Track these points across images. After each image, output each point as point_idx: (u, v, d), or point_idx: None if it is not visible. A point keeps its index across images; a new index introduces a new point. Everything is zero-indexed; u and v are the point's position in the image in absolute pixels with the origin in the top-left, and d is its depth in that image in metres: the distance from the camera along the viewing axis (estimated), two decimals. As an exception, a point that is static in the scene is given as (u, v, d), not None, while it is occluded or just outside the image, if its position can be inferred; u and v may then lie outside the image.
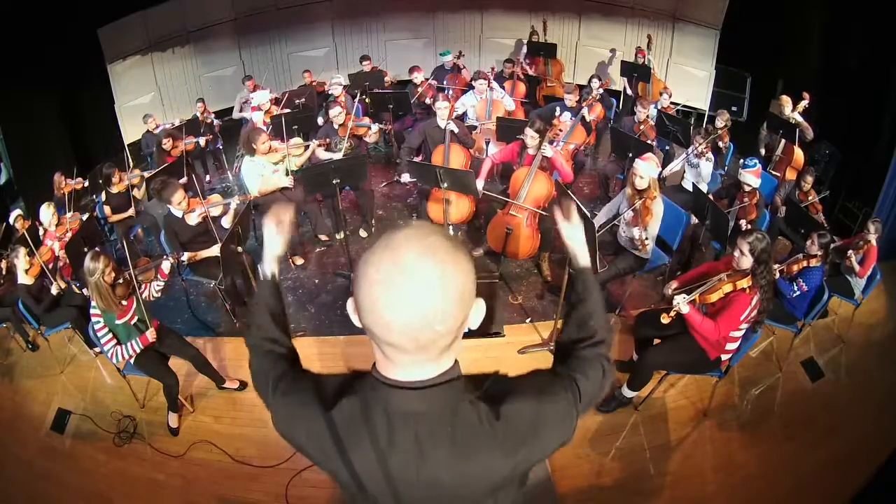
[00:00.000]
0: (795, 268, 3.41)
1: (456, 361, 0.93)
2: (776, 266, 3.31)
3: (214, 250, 3.62)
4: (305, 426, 0.98)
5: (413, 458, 0.91)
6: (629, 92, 6.31)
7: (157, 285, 3.20)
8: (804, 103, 4.87)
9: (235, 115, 6.44)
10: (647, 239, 3.47)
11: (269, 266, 1.26)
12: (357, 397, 0.93)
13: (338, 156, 4.76)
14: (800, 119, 4.81)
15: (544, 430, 0.95)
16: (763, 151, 5.22)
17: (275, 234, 1.27)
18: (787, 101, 4.94)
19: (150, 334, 3.05)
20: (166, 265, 3.23)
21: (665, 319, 2.79)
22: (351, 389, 0.95)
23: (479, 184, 4.12)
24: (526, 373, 1.03)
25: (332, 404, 0.94)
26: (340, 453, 0.94)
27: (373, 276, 0.79)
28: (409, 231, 0.82)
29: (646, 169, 3.45)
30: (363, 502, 1.01)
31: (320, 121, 5.61)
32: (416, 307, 0.78)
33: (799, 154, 4.76)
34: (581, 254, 1.25)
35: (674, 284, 3.02)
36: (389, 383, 0.89)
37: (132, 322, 3.02)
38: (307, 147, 4.72)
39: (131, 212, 4.68)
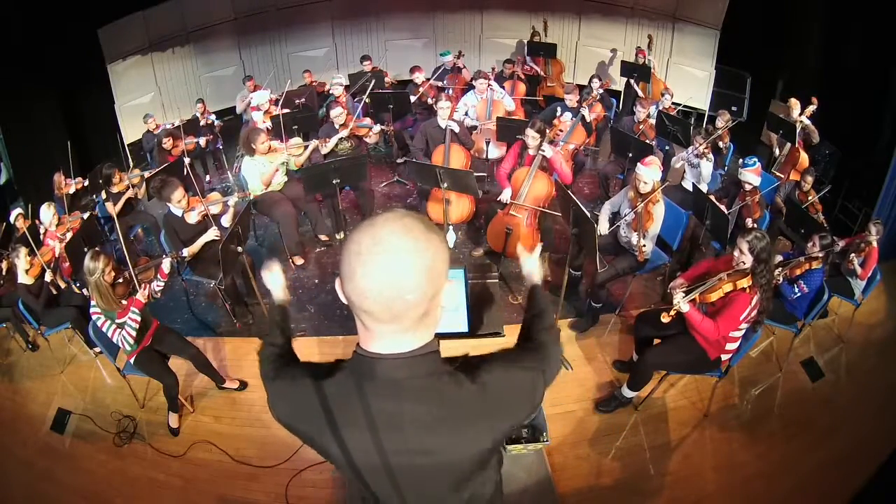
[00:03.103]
0: (798, 271, 3.40)
1: (434, 338, 0.99)
2: (778, 270, 3.31)
3: (211, 234, 3.62)
4: (297, 404, 1.04)
5: (401, 427, 0.96)
6: (639, 92, 6.29)
7: (158, 285, 3.19)
8: (812, 107, 4.87)
9: (239, 110, 6.43)
10: (644, 245, 3.48)
11: (277, 297, 1.62)
12: (345, 373, 1.00)
13: (336, 139, 4.77)
14: (807, 122, 4.81)
15: (517, 396, 1.05)
16: (777, 152, 5.20)
17: (274, 282, 1.63)
18: (795, 104, 4.93)
19: (142, 294, 2.98)
20: (166, 264, 3.22)
21: (665, 318, 2.78)
22: (339, 367, 1.02)
23: (507, 192, 4.13)
24: (494, 352, 1.11)
25: (322, 380, 1.01)
26: (331, 427, 0.98)
27: (353, 249, 0.88)
28: (388, 213, 0.92)
29: (649, 174, 3.45)
30: (358, 483, 1.06)
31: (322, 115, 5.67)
32: (389, 277, 0.86)
33: (804, 156, 4.76)
34: (536, 275, 1.57)
35: (680, 281, 3.01)
36: (372, 356, 0.95)
37: (132, 321, 3.02)
38: (307, 147, 4.72)
39: (130, 193, 4.67)
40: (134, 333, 2.97)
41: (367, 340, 0.96)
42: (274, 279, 1.60)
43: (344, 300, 0.93)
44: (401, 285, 0.86)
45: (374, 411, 0.95)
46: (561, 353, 1.31)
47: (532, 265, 1.60)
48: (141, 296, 2.99)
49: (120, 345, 2.98)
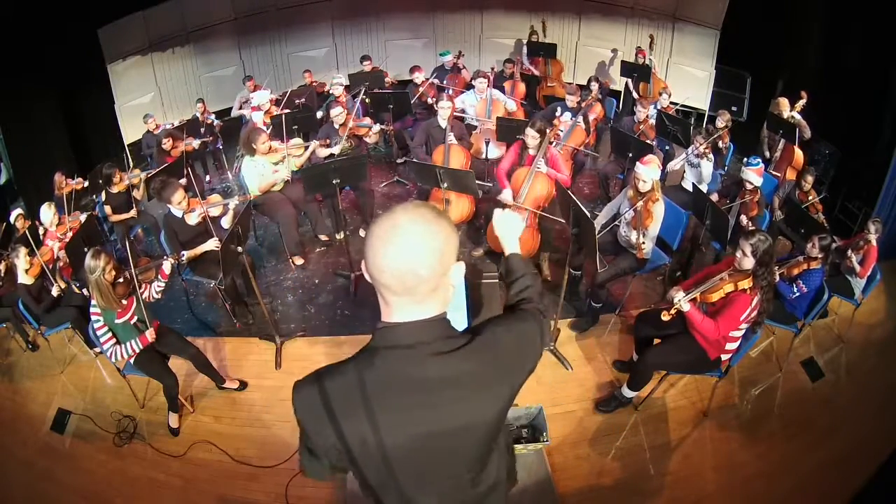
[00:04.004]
0: (796, 271, 3.41)
1: (445, 312, 1.10)
2: (776, 268, 3.31)
3: (211, 244, 3.62)
4: (320, 402, 1.05)
5: (426, 390, 1.04)
6: (634, 94, 6.30)
7: (158, 286, 3.20)
8: (802, 102, 4.89)
9: (235, 112, 6.45)
10: (643, 243, 3.48)
11: None
12: (364, 354, 1.07)
13: (336, 149, 4.75)
14: (798, 118, 4.82)
15: (523, 347, 1.16)
16: (767, 154, 5.23)
17: None
18: (784, 103, 4.96)
19: (150, 334, 3.04)
20: (167, 266, 3.23)
21: (665, 317, 2.79)
22: (354, 357, 1.09)
23: (507, 193, 4.09)
24: (492, 318, 1.20)
25: (338, 368, 1.08)
26: (333, 420, 1.04)
27: (376, 233, 1.02)
28: (407, 204, 1.07)
29: (647, 173, 3.45)
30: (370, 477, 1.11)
31: (320, 115, 5.68)
32: (404, 255, 1.00)
33: (799, 154, 4.77)
34: (510, 244, 1.49)
35: (681, 292, 2.99)
36: (392, 325, 1.07)
37: (132, 321, 3.02)
38: (307, 147, 4.72)
39: (133, 213, 4.68)
40: (125, 357, 3.00)
41: (386, 314, 1.08)
42: None
43: (368, 278, 1.07)
44: (414, 262, 0.99)
45: (399, 378, 1.04)
46: (545, 316, 1.29)
47: (508, 230, 1.49)
48: (149, 335, 3.04)
49: (108, 354, 2.98)
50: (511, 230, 1.49)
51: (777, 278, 3.36)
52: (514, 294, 1.36)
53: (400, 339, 1.05)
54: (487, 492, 1.22)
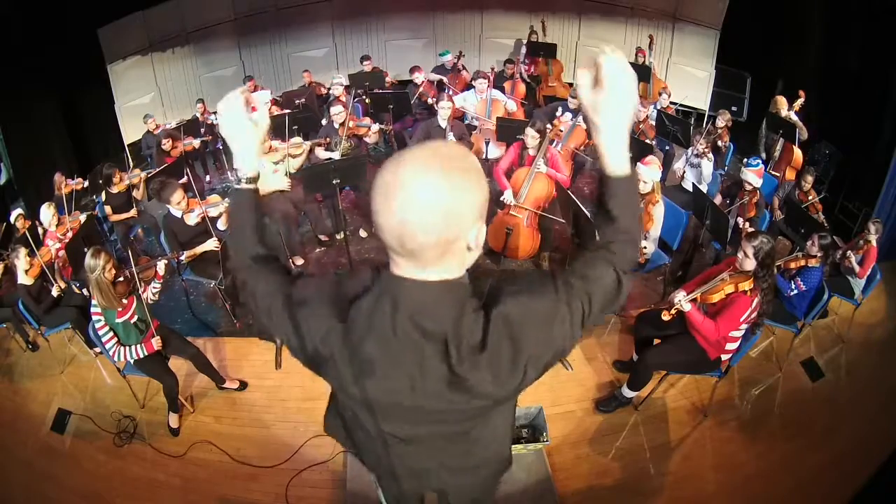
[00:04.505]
0: (794, 265, 3.40)
1: (465, 274, 0.97)
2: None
3: (211, 244, 3.62)
4: (322, 332, 1.02)
5: (423, 357, 0.95)
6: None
7: (154, 287, 3.21)
8: (800, 101, 4.89)
9: None
10: (644, 247, 3.48)
11: (247, 168, 1.15)
12: (373, 296, 0.98)
13: (336, 155, 4.76)
14: (795, 118, 4.83)
15: (530, 327, 0.97)
16: (764, 156, 5.23)
17: (244, 121, 1.11)
18: (783, 102, 4.96)
19: (156, 342, 3.06)
20: (161, 267, 3.23)
21: (666, 317, 2.80)
22: (365, 290, 1.00)
23: (508, 193, 4.09)
24: (524, 273, 1.07)
25: (349, 307, 1.00)
26: (353, 355, 0.99)
27: (378, 184, 0.89)
28: (418, 148, 0.89)
29: (648, 173, 3.45)
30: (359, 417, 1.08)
31: (325, 122, 5.67)
32: (402, 217, 0.86)
33: (798, 153, 4.77)
34: (619, 154, 1.00)
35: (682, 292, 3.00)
36: (395, 277, 0.95)
37: (132, 320, 3.02)
38: (304, 147, 4.72)
39: (133, 212, 4.68)
40: (127, 359, 3.00)
41: (392, 266, 0.97)
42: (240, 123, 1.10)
43: None
44: (414, 226, 0.86)
45: (400, 337, 0.95)
46: (621, 275, 1.04)
47: (615, 120, 0.98)
48: (155, 343, 3.05)
49: (110, 354, 2.98)
50: (628, 101, 0.97)
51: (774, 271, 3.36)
52: (600, 244, 1.07)
53: (401, 295, 0.94)
54: (477, 460, 1.19)
